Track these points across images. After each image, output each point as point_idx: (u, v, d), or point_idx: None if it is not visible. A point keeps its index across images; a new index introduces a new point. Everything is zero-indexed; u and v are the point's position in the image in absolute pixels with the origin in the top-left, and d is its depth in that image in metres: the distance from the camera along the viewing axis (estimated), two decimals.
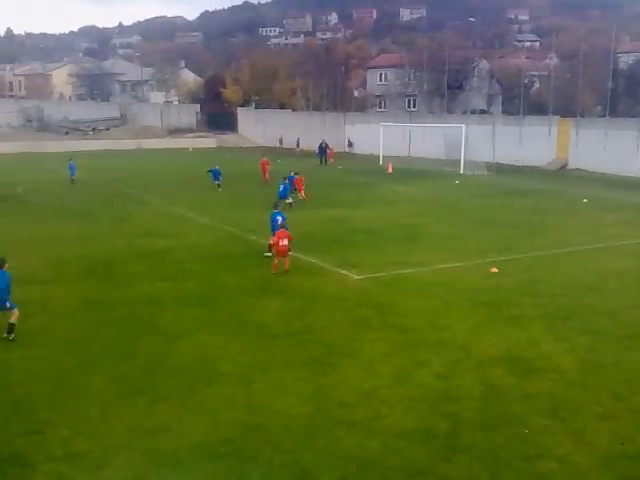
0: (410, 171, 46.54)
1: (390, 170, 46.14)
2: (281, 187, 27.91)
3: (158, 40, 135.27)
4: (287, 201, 27.65)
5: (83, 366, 11.81)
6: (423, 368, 11.79)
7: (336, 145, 58.99)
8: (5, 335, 12.98)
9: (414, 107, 73.16)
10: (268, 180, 37.51)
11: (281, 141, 67.78)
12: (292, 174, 30.91)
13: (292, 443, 9.19)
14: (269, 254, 19.14)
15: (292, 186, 30.22)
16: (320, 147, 54.09)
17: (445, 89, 63.24)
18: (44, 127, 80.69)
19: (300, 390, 10.84)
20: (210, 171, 36.12)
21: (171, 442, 9.21)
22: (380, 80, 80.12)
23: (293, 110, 76.03)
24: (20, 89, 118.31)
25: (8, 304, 13.09)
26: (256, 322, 14.21)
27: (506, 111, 66.11)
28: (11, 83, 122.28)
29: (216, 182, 35.37)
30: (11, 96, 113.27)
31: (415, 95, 72.99)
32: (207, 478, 8.35)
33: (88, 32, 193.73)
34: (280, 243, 17.46)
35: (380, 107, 77.77)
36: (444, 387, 11.02)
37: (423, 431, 9.54)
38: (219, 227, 25.18)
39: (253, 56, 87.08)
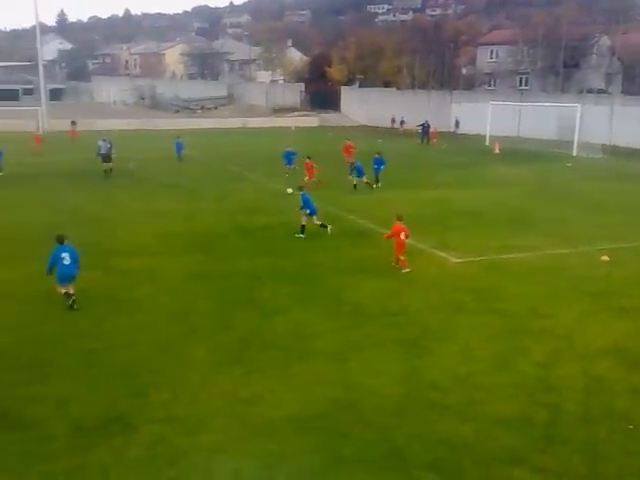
0: (518, 152, 44.78)
1: (497, 151, 44.62)
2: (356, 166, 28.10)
3: (267, 19, 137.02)
4: (364, 180, 27.83)
5: (184, 335, 12.30)
6: (523, 356, 11.38)
7: (441, 125, 57.65)
8: (73, 305, 13.41)
9: (526, 85, 70.19)
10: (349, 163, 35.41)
11: (393, 120, 65.73)
12: (377, 155, 29.45)
13: (384, 422, 9.17)
14: (301, 235, 19.67)
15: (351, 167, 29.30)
16: (422, 126, 53.06)
17: (560, 67, 60.19)
18: (156, 105, 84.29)
19: (393, 371, 10.77)
20: (285, 154, 33.23)
21: (265, 412, 9.43)
22: (491, 57, 77.34)
23: (398, 89, 74.96)
24: (135, 68, 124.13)
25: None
26: (351, 301, 14.22)
27: (626, 91, 62.03)
28: (127, 62, 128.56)
29: (290, 166, 32.44)
30: (126, 74, 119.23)
31: (527, 73, 69.98)
32: (300, 450, 8.48)
33: (200, 12, 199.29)
34: (401, 236, 16.08)
35: (489, 85, 75.18)
36: (544, 376, 10.59)
37: (520, 419, 9.24)
38: (318, 205, 25.28)
39: (360, 34, 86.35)
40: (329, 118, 74.40)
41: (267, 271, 16.37)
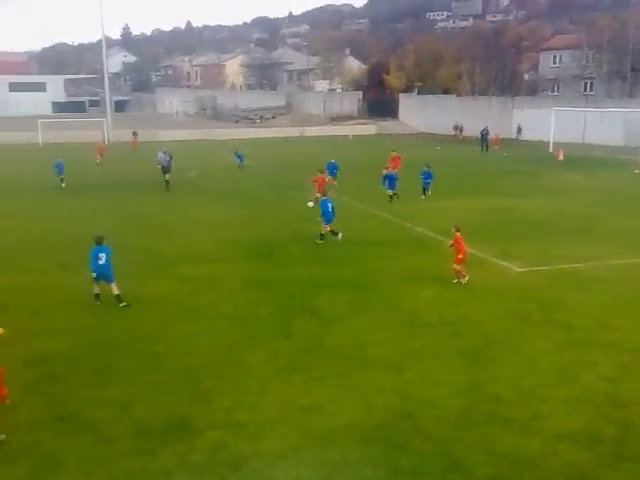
0: (583, 159, 43.51)
1: (561, 157, 43.45)
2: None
3: (325, 28, 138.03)
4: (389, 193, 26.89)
5: (244, 341, 12.42)
6: (589, 369, 11.00)
7: (502, 131, 56.60)
8: (123, 304, 14.22)
9: (591, 91, 68.22)
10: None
11: (456, 128, 64.18)
12: (425, 168, 28.57)
13: (444, 434, 9.01)
14: (321, 242, 20.00)
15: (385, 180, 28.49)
16: (481, 133, 52.19)
17: (628, 71, 58.17)
18: (217, 115, 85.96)
19: (453, 382, 10.58)
20: (328, 166, 31.73)
21: (325, 421, 9.41)
22: (554, 63, 75.56)
23: (457, 95, 74.11)
24: (196, 79, 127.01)
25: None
26: (409, 310, 14.07)
27: None
28: (188, 73, 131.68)
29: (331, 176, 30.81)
30: (188, 86, 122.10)
31: (592, 78, 68.01)
32: (359, 460, 8.42)
33: (260, 23, 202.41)
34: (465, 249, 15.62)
35: (552, 91, 73.42)
36: (613, 390, 10.20)
37: (587, 435, 8.92)
38: (375, 213, 25.24)
39: (419, 41, 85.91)
40: (387, 126, 74.17)
41: (325, 279, 16.38)
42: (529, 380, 10.62)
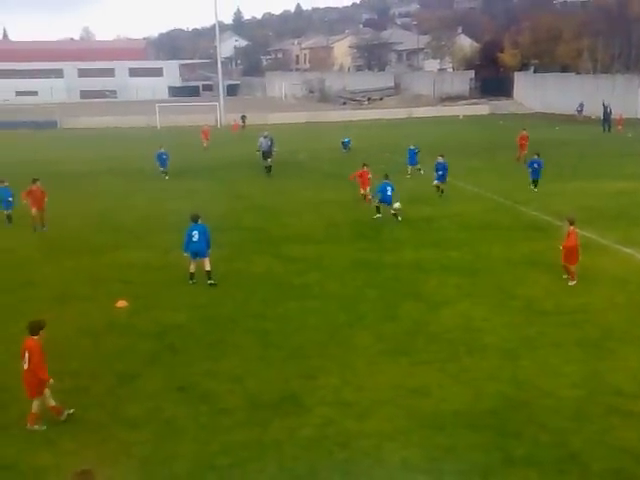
0: None
1: None
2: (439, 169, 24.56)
3: (436, 7, 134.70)
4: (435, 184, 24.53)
5: (351, 322, 12.49)
6: None
7: (627, 111, 53.05)
8: (210, 282, 14.55)
9: None
10: (520, 157, 31.87)
11: (579, 109, 59.82)
12: (535, 157, 25.36)
13: (560, 425, 8.67)
14: (379, 215, 20.65)
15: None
16: (604, 113, 49.13)
17: None
18: (324, 98, 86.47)
19: (571, 372, 10.13)
20: (409, 152, 30.30)
21: (432, 405, 9.31)
22: None
23: (577, 73, 70.18)
24: (305, 62, 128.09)
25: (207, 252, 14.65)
26: (523, 296, 13.58)
27: None
28: (297, 57, 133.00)
29: (413, 165, 29.82)
30: (297, 69, 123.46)
31: None
32: (469, 446, 8.27)
33: (369, 3, 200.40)
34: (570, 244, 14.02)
35: None
36: None
37: None
38: (487, 196, 24.50)
39: (535, 17, 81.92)
40: (501, 105, 71.70)
41: (433, 262, 16.14)
42: None
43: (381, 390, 9.77)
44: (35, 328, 8.83)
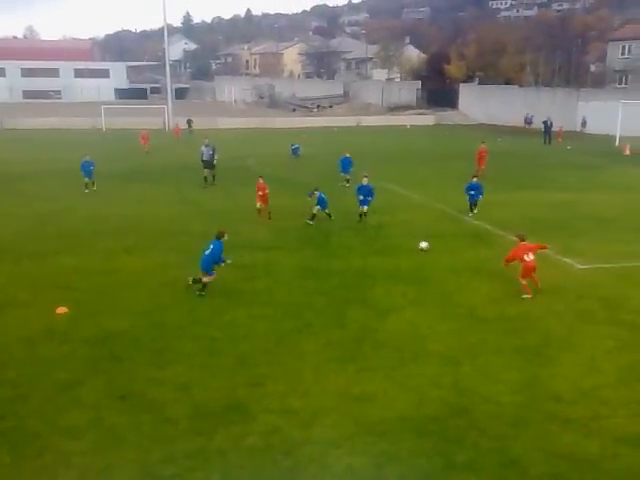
0: None
1: (627, 152, 41.90)
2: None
3: (385, 17, 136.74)
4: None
5: (299, 329, 12.50)
6: None
7: (566, 124, 54.97)
8: (191, 284, 14.43)
9: None
10: (479, 171, 30.16)
11: (527, 120, 61.53)
12: (473, 180, 22.90)
13: (500, 431, 8.88)
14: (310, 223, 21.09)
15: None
16: (545, 125, 50.73)
17: None
18: (274, 104, 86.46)
19: (511, 379, 10.40)
20: (342, 161, 29.50)
21: (377, 411, 9.40)
22: (622, 53, 72.69)
23: (520, 86, 72.33)
24: (255, 67, 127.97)
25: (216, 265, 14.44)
26: (466, 304, 13.88)
27: None
28: (247, 62, 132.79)
29: (345, 174, 29.33)
30: (247, 74, 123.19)
31: None
32: (412, 452, 8.39)
33: (319, 11, 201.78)
34: (526, 258, 14.12)
35: (620, 83, 70.78)
36: None
37: None
38: (432, 205, 24.96)
39: (481, 30, 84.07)
40: (446, 116, 73.10)
41: (380, 270, 16.31)
42: (589, 380, 10.35)
43: (327, 397, 9.82)
44: None
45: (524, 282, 14.31)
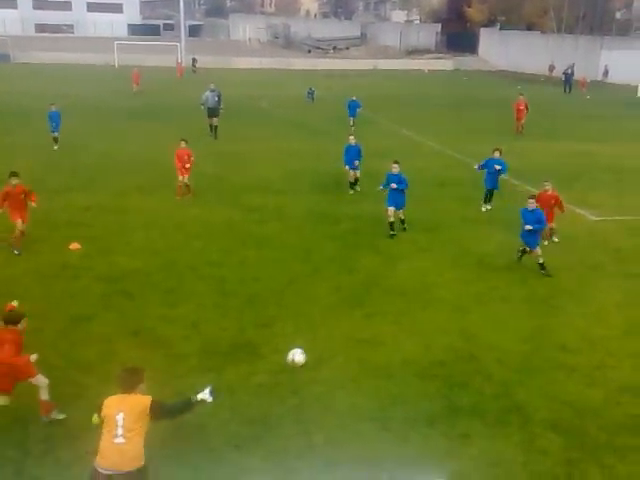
0: None
1: None
2: None
3: None
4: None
5: (308, 273, 12.58)
6: None
7: (588, 73, 53.62)
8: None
9: None
10: (519, 126, 29.34)
11: (552, 68, 59.89)
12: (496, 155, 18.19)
13: (505, 377, 8.99)
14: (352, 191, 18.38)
15: None
16: (565, 73, 49.53)
17: None
18: (289, 44, 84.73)
19: (518, 327, 10.47)
20: (349, 104, 29.60)
21: (383, 355, 9.53)
22: None
23: (542, 32, 70.32)
24: (271, 5, 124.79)
25: None
26: (477, 253, 13.87)
27: None
28: (262, 0, 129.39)
29: (352, 117, 29.13)
30: (262, 12, 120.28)
31: None
32: (417, 395, 8.53)
33: None
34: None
35: None
36: None
37: None
38: (447, 153, 24.68)
39: None
40: (465, 61, 71.57)
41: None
42: (596, 331, 10.40)
43: (334, 340, 9.94)
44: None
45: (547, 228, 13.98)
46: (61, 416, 7.79)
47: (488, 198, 17.02)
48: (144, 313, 10.60)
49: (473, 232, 15.27)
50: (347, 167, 18.52)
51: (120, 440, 5.62)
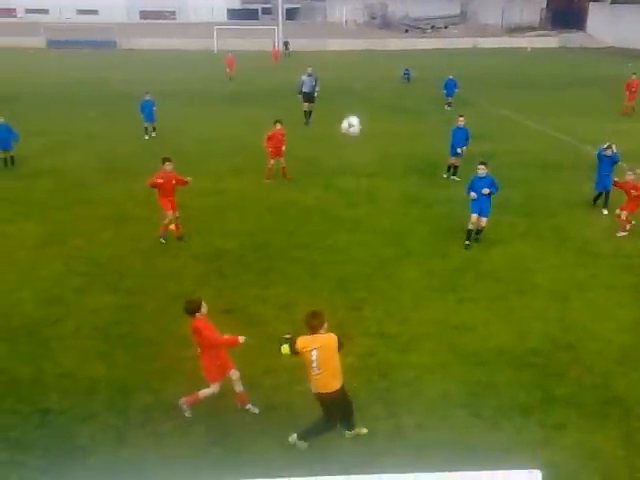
0: None
1: None
2: None
3: None
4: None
5: (399, 257, 12.46)
6: None
7: None
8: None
9: None
10: (628, 107, 27.77)
11: None
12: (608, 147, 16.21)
13: (605, 368, 8.59)
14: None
15: None
16: None
17: None
18: (386, 24, 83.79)
19: (622, 316, 9.95)
20: (446, 84, 29.47)
21: (475, 341, 9.31)
22: None
23: None
24: None
25: None
26: (579, 238, 13.26)
27: None
28: None
29: (448, 97, 29.15)
30: None
31: None
32: (510, 383, 8.29)
33: None
34: (633, 192, 13.41)
35: None
36: None
37: None
38: (550, 134, 23.63)
39: None
40: (571, 38, 68.14)
41: None
42: None
43: (425, 324, 9.82)
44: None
45: (623, 217, 13.36)
46: (256, 410, 7.88)
47: (604, 202, 15.04)
48: (238, 292, 10.88)
49: (575, 217, 14.59)
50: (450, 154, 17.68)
51: (316, 371, 6.84)
